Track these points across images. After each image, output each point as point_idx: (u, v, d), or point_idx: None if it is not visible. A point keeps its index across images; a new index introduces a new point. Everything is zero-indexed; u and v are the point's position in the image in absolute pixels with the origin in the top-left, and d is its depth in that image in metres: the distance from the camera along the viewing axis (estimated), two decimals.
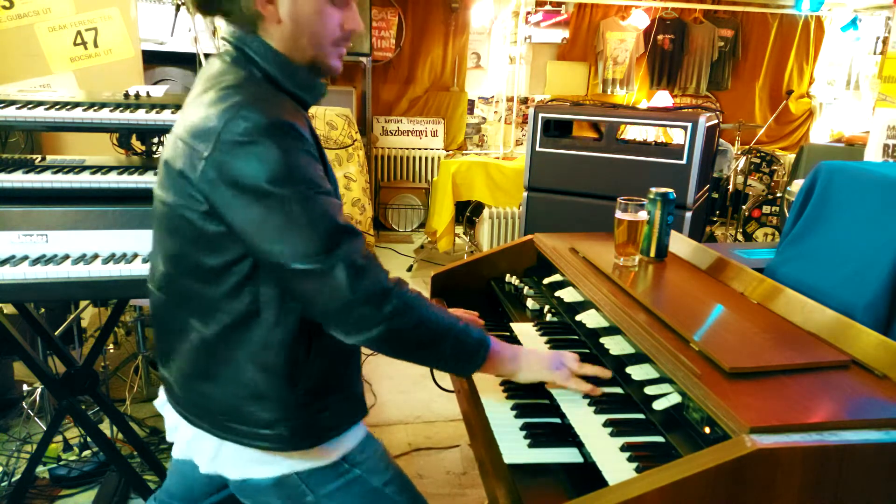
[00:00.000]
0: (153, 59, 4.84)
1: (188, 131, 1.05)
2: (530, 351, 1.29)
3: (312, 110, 3.73)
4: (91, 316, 3.36)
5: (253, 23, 1.11)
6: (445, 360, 1.16)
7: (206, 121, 1.03)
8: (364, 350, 1.15)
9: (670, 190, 1.56)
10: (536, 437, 1.15)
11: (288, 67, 1.13)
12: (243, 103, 1.03)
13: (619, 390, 1.25)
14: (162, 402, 1.32)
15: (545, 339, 1.48)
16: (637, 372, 1.19)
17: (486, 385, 1.35)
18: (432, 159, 6.45)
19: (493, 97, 6.81)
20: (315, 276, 1.01)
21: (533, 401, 1.28)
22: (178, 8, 2.82)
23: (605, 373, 1.26)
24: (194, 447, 1.23)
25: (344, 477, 1.21)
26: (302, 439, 1.16)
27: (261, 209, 1.00)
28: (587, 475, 1.05)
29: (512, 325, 1.60)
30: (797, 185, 3.87)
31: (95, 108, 1.90)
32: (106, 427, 2.58)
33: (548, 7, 6.55)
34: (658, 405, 1.10)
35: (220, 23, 1.16)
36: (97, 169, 1.88)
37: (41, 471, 2.40)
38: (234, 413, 1.14)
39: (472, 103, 6.75)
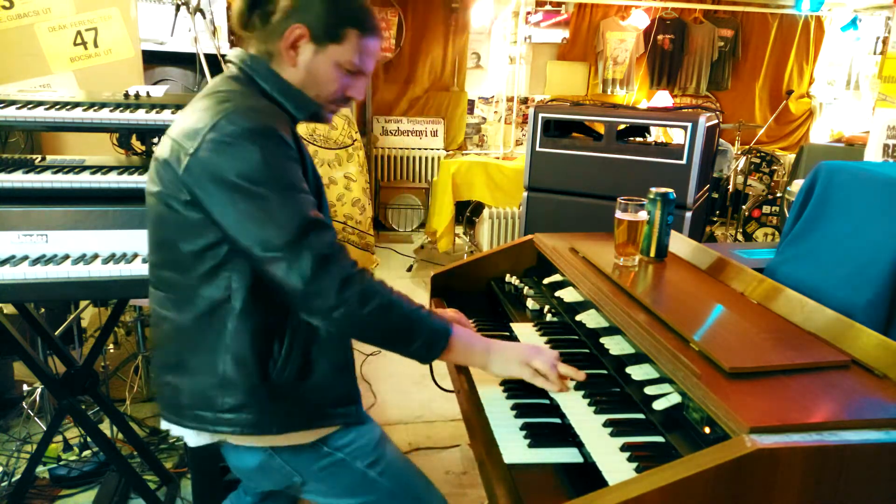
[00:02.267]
0: (153, 59, 4.84)
1: (179, 132, 1.16)
2: (506, 345, 1.31)
3: None
4: (91, 316, 3.36)
5: (270, 56, 1.23)
6: (406, 345, 1.20)
7: (196, 122, 1.13)
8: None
9: (670, 190, 1.56)
10: (536, 437, 1.15)
11: (288, 90, 1.24)
12: (233, 109, 1.13)
13: (618, 390, 1.25)
14: None
15: (545, 339, 1.48)
16: (637, 372, 1.19)
17: (487, 385, 1.35)
18: (432, 159, 6.45)
19: (493, 97, 6.81)
20: (283, 262, 1.09)
21: (533, 401, 1.28)
22: (178, 8, 2.82)
23: (578, 375, 1.27)
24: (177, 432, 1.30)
25: (327, 459, 1.27)
26: (266, 426, 1.21)
27: (238, 203, 1.09)
28: (587, 475, 1.05)
29: (512, 325, 1.60)
30: (797, 185, 3.87)
31: (95, 108, 1.90)
32: (106, 427, 2.58)
33: (548, 7, 6.55)
34: (658, 405, 1.10)
35: (232, 50, 1.27)
36: (97, 169, 1.88)
37: (41, 471, 2.40)
38: (201, 401, 1.21)
39: (472, 103, 6.75)
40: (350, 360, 1.33)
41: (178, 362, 1.22)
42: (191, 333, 1.20)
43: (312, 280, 1.09)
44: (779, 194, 5.24)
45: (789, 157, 6.35)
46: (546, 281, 1.73)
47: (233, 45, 5.42)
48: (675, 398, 1.09)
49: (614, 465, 1.02)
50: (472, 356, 1.28)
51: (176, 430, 1.29)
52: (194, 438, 1.27)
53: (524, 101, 6.80)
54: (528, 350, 1.29)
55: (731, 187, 5.25)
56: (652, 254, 1.59)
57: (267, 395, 1.20)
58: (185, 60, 4.90)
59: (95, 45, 3.22)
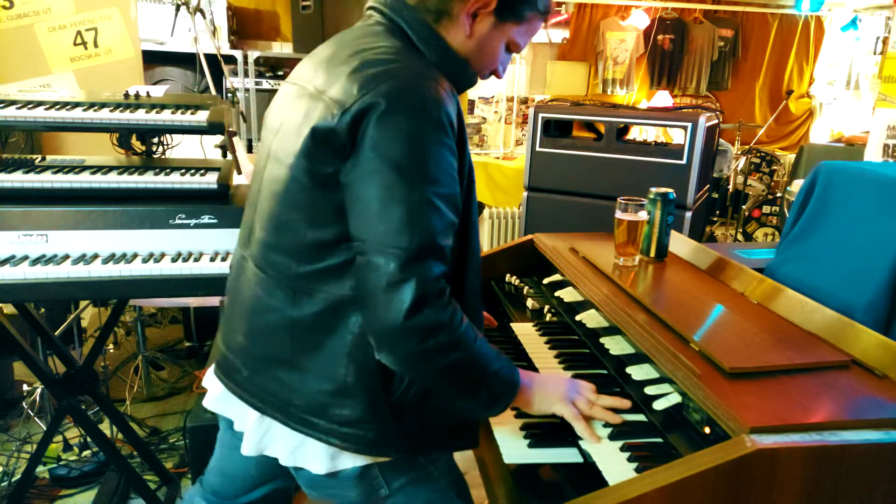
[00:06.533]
0: (153, 59, 4.84)
1: (329, 91, 1.00)
2: (545, 379, 1.19)
3: None
4: (91, 316, 3.36)
5: (437, 14, 1.07)
6: (473, 400, 1.09)
7: (353, 81, 0.97)
8: None
9: (670, 190, 1.56)
10: (536, 437, 1.15)
11: (455, 61, 1.09)
12: (400, 71, 0.98)
13: (619, 390, 1.24)
14: (215, 398, 1.25)
15: (545, 339, 1.48)
16: (637, 372, 1.19)
17: None
18: None
19: (493, 97, 6.81)
20: (384, 278, 0.94)
21: None
22: (178, 8, 2.82)
23: (623, 403, 1.17)
24: (268, 440, 1.15)
25: (417, 471, 1.16)
26: (385, 446, 1.09)
27: (374, 185, 0.94)
28: (587, 475, 1.05)
29: (512, 325, 1.60)
30: (797, 185, 3.87)
31: (95, 108, 1.90)
32: (106, 427, 2.58)
33: None
34: (658, 405, 1.10)
35: None
36: (97, 169, 1.88)
37: (41, 471, 2.40)
38: (314, 406, 1.07)
39: (472, 103, 6.75)
40: None
41: (290, 359, 1.08)
42: (308, 331, 1.05)
43: (400, 318, 0.94)
44: (779, 194, 5.24)
45: (789, 157, 6.35)
46: (546, 281, 1.73)
47: (233, 45, 5.42)
48: (675, 398, 1.08)
49: (614, 465, 1.02)
50: (521, 396, 1.13)
51: (259, 433, 1.14)
52: (292, 441, 1.11)
53: (524, 101, 6.80)
54: (567, 386, 1.16)
55: (731, 187, 5.25)
56: (652, 254, 1.59)
57: (390, 412, 1.06)
58: (185, 60, 4.91)
59: (95, 45, 3.22)
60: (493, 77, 1.20)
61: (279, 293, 1.07)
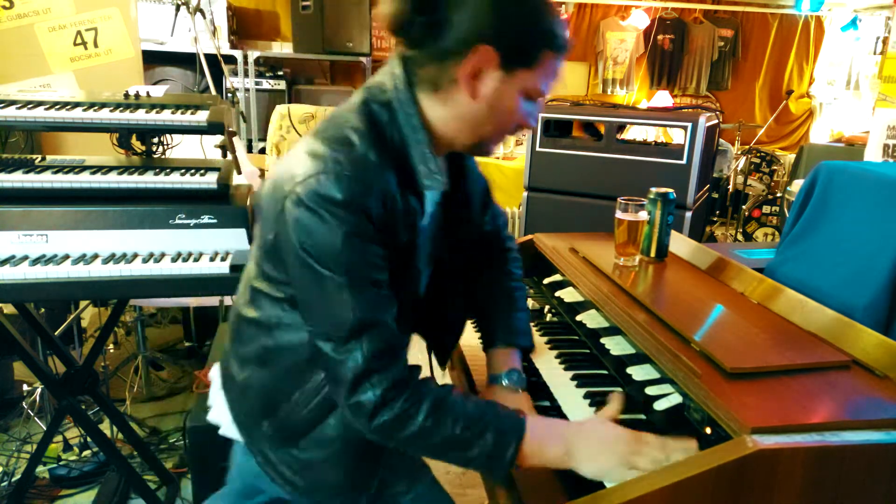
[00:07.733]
0: (153, 59, 4.85)
1: (281, 170, 1.01)
2: (589, 433, 1.03)
3: (312, 109, 3.73)
4: (91, 316, 3.36)
5: (439, 83, 1.00)
6: (461, 460, 1.02)
7: (295, 167, 0.98)
8: None
9: (670, 190, 1.56)
10: None
11: (424, 148, 1.03)
12: (331, 168, 0.95)
13: (620, 391, 1.24)
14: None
15: (545, 339, 1.48)
16: (638, 372, 1.19)
17: (486, 385, 1.34)
18: None
19: None
20: (327, 357, 1.00)
21: (533, 402, 1.27)
22: (178, 8, 2.82)
23: (691, 444, 0.99)
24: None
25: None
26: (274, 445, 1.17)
27: (300, 273, 0.99)
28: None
29: None
30: (797, 185, 3.87)
31: (95, 108, 1.90)
32: (106, 427, 2.58)
33: None
34: (659, 406, 1.10)
35: (379, 73, 1.09)
36: (97, 169, 1.88)
37: (41, 471, 2.40)
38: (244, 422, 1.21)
39: None
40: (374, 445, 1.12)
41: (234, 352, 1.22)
42: (253, 332, 1.16)
43: (346, 394, 0.98)
44: (779, 194, 5.25)
45: (789, 157, 6.35)
46: (546, 281, 1.72)
47: (233, 45, 5.43)
48: (676, 399, 1.08)
49: None
50: (547, 455, 1.02)
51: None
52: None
53: None
54: (624, 443, 1.00)
55: (731, 187, 5.25)
56: (652, 254, 1.59)
57: (261, 430, 1.17)
58: (185, 60, 4.92)
59: (95, 45, 3.22)
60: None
61: (245, 301, 1.17)
